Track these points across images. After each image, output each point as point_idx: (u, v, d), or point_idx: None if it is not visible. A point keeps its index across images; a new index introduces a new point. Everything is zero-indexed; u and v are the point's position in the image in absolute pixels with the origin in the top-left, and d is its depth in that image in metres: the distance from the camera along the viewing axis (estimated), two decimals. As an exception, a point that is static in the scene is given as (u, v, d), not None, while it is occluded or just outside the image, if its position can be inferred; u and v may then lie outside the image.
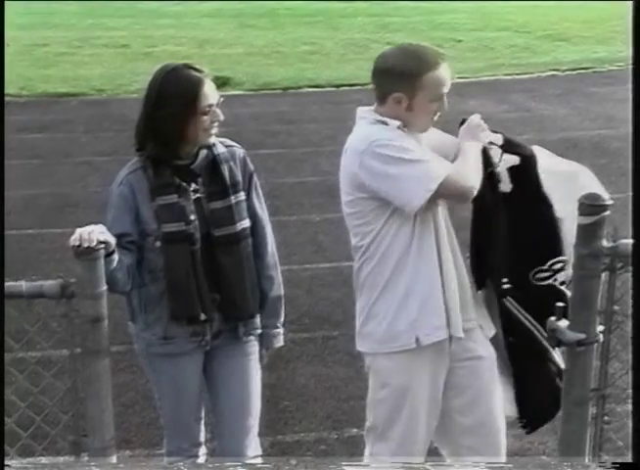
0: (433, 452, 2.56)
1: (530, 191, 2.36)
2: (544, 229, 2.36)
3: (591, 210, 1.89)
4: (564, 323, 1.94)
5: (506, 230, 2.34)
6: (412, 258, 2.29)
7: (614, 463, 1.67)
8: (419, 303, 2.31)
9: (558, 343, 1.94)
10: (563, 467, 2.00)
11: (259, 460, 2.62)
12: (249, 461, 2.55)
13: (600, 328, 1.93)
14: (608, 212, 1.87)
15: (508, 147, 2.36)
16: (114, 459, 1.92)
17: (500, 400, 2.47)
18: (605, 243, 1.88)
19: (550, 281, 2.35)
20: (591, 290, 1.91)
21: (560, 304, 1.97)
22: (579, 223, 1.91)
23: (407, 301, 2.32)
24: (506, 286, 2.36)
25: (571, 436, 1.95)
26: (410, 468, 2.02)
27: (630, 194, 1.94)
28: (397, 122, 2.27)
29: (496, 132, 2.39)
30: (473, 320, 2.40)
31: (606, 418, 1.96)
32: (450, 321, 2.33)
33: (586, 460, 1.93)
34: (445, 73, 2.28)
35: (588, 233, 1.90)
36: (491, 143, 2.35)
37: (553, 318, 1.95)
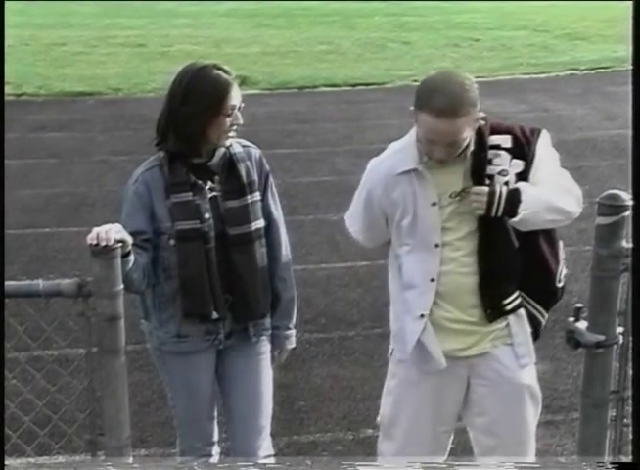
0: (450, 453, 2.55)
1: None
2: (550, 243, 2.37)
3: (611, 210, 1.86)
4: (583, 325, 1.91)
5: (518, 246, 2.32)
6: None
7: (613, 463, 1.65)
8: (395, 319, 2.44)
9: (577, 344, 1.92)
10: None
11: (272, 460, 2.62)
12: (261, 461, 2.56)
13: (619, 329, 1.91)
14: (628, 213, 1.85)
15: (515, 150, 2.29)
16: (129, 458, 1.92)
17: (527, 426, 2.43)
18: (625, 243, 1.86)
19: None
20: (611, 291, 1.89)
21: (579, 304, 1.95)
22: (598, 223, 1.89)
23: (394, 308, 2.44)
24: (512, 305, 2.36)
25: (590, 438, 1.93)
26: (427, 467, 2.00)
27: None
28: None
29: (506, 132, 2.30)
30: (487, 344, 2.36)
31: (625, 421, 1.94)
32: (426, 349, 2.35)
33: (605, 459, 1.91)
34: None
35: (608, 233, 1.87)
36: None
37: (571, 319, 1.93)
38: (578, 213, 2.33)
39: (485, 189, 2.22)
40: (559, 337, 3.98)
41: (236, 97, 2.37)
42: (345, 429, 3.43)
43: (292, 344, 2.63)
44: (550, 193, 2.27)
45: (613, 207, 1.86)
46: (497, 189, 2.21)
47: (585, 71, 11.57)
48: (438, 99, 2.14)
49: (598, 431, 1.93)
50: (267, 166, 2.52)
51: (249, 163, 2.46)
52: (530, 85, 10.77)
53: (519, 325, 2.39)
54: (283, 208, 2.58)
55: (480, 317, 2.33)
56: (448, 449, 2.52)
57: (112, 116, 9.14)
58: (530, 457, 2.45)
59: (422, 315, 2.32)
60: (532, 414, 2.45)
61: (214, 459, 2.64)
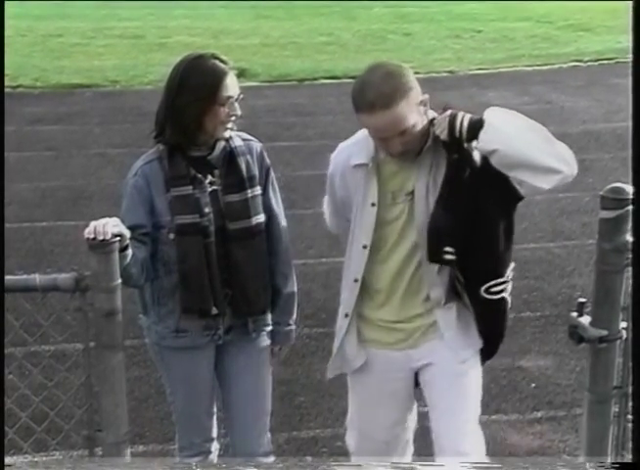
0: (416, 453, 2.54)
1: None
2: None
3: (615, 203, 1.84)
4: (586, 319, 1.90)
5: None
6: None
7: (614, 463, 1.64)
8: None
9: (580, 339, 1.90)
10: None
11: (271, 457, 2.60)
12: (261, 459, 2.54)
13: (623, 324, 1.89)
14: (632, 206, 1.82)
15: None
16: (127, 454, 1.91)
17: (471, 401, 2.36)
18: (629, 237, 1.84)
19: (504, 294, 2.29)
20: (614, 285, 1.87)
21: (582, 299, 1.93)
22: (602, 217, 1.87)
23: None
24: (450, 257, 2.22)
25: (593, 434, 1.92)
26: (397, 468, 2.02)
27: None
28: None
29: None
30: (419, 340, 2.33)
31: (629, 416, 1.92)
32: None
33: (608, 459, 1.89)
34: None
35: (611, 227, 1.86)
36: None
37: (574, 314, 1.91)
38: (566, 169, 2.11)
39: (447, 114, 2.16)
40: (561, 332, 3.98)
41: (232, 87, 2.34)
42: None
43: (291, 340, 2.61)
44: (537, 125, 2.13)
45: (616, 200, 1.84)
46: (459, 113, 2.15)
47: (589, 63, 11.50)
48: (367, 94, 2.11)
49: (601, 427, 1.92)
50: (268, 161, 2.49)
51: (249, 157, 2.43)
52: (533, 77, 10.72)
53: (446, 320, 2.31)
54: (282, 201, 2.56)
55: (407, 316, 2.32)
56: (411, 448, 2.50)
57: (109, 108, 9.10)
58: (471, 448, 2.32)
59: (346, 314, 2.37)
60: (474, 407, 2.36)
61: (213, 455, 2.62)
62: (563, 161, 2.12)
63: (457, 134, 2.12)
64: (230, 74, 2.34)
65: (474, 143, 2.14)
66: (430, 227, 2.19)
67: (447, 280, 2.28)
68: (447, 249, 2.19)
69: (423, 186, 2.21)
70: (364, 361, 2.39)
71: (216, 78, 2.31)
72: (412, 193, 2.23)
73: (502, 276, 2.26)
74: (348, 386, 2.49)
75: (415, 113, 2.15)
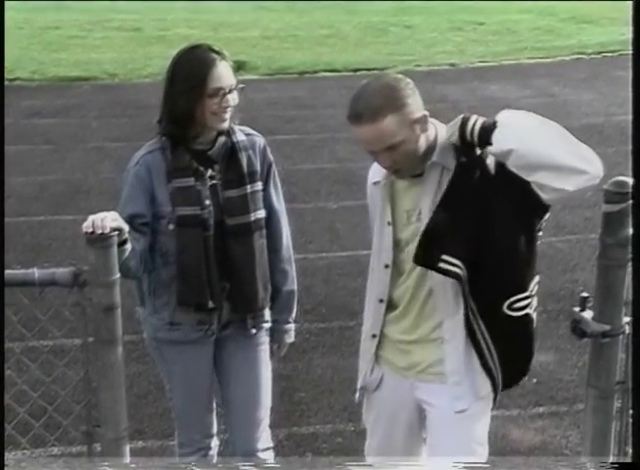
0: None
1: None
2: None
3: (618, 197, 1.82)
4: (588, 314, 1.88)
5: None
6: None
7: (613, 463, 1.62)
8: None
9: (582, 334, 1.89)
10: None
11: (271, 453, 2.59)
12: (260, 453, 2.53)
13: (626, 319, 1.87)
14: (632, 201, 1.80)
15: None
16: (127, 450, 1.89)
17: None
18: (632, 231, 1.82)
19: (528, 310, 2.16)
20: (617, 280, 1.85)
21: (584, 294, 1.91)
22: (605, 211, 1.85)
23: None
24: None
25: (595, 430, 1.90)
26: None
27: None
28: None
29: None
30: (420, 373, 2.24)
31: (631, 412, 1.91)
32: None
33: (610, 458, 1.88)
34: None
35: (614, 221, 1.83)
36: None
37: (577, 309, 1.90)
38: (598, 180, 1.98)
39: (459, 118, 2.07)
40: (564, 327, 3.97)
41: (224, 78, 2.31)
42: (346, 421, 3.40)
43: (291, 338, 2.60)
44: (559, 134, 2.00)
45: (619, 194, 1.82)
46: (472, 116, 2.05)
47: (592, 56, 11.48)
48: (356, 105, 2.05)
49: (603, 422, 1.90)
50: (271, 156, 2.48)
51: (251, 152, 2.41)
52: (535, 70, 10.70)
53: (453, 362, 2.17)
54: (282, 195, 2.54)
55: (419, 337, 2.21)
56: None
57: (107, 101, 9.08)
58: None
59: (373, 335, 2.27)
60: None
61: (213, 452, 2.61)
62: (586, 160, 2.00)
63: (468, 137, 2.02)
64: (221, 65, 2.31)
65: (488, 148, 2.03)
66: (425, 227, 2.09)
67: (463, 312, 2.14)
68: (446, 258, 2.06)
69: (427, 206, 2.12)
70: (380, 380, 2.31)
71: (203, 69, 2.28)
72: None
73: (525, 291, 2.13)
74: (364, 408, 2.39)
75: (406, 129, 2.04)
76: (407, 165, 2.12)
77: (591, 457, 1.88)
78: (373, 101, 2.04)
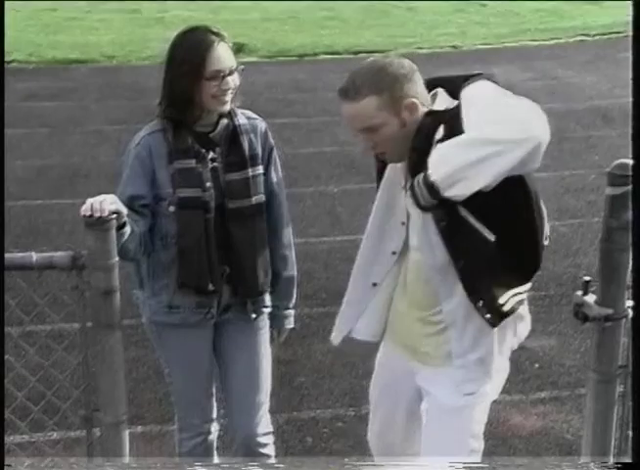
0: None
1: None
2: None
3: (621, 180, 1.80)
4: (591, 298, 1.87)
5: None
6: None
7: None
8: None
9: (585, 318, 1.87)
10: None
11: (270, 438, 2.58)
12: (260, 439, 2.52)
13: (628, 303, 1.86)
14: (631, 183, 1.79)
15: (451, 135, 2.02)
16: (126, 435, 1.89)
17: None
18: (632, 214, 1.80)
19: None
20: (620, 264, 1.84)
21: (587, 278, 1.90)
22: (608, 194, 1.83)
23: None
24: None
25: (597, 414, 1.89)
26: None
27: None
28: None
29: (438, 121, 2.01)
30: (421, 356, 2.22)
31: (632, 378, 1.90)
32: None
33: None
34: None
35: (618, 204, 1.81)
36: None
37: (579, 293, 1.88)
38: (537, 138, 1.87)
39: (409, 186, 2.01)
40: (566, 311, 3.96)
41: (223, 60, 2.29)
42: (347, 405, 3.40)
43: (291, 324, 2.59)
44: (467, 134, 1.89)
45: (623, 177, 1.80)
46: (415, 181, 1.97)
47: (596, 37, 11.37)
48: (345, 81, 2.06)
49: (605, 406, 1.89)
50: (272, 140, 2.47)
51: (252, 135, 2.40)
52: (539, 52, 10.62)
53: (461, 345, 2.13)
54: (283, 180, 2.52)
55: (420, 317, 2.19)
56: None
57: (106, 84, 9.02)
58: None
59: (374, 284, 2.25)
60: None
61: (213, 436, 2.61)
62: (520, 130, 1.87)
63: (424, 203, 1.95)
64: (220, 47, 2.29)
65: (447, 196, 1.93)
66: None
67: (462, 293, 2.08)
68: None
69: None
70: (378, 346, 2.31)
71: (201, 52, 2.26)
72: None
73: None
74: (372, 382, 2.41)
75: (386, 113, 2.01)
76: (391, 150, 2.08)
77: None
78: (358, 80, 2.04)
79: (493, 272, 2.08)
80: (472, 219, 2.02)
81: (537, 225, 2.11)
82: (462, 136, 1.91)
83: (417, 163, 1.99)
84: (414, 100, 2.05)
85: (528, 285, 2.17)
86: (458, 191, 1.90)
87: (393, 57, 2.15)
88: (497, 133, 1.88)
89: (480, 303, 2.08)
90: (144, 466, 2.08)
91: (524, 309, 2.24)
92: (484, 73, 2.09)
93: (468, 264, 2.06)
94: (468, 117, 1.94)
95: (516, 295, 2.13)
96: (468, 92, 2.01)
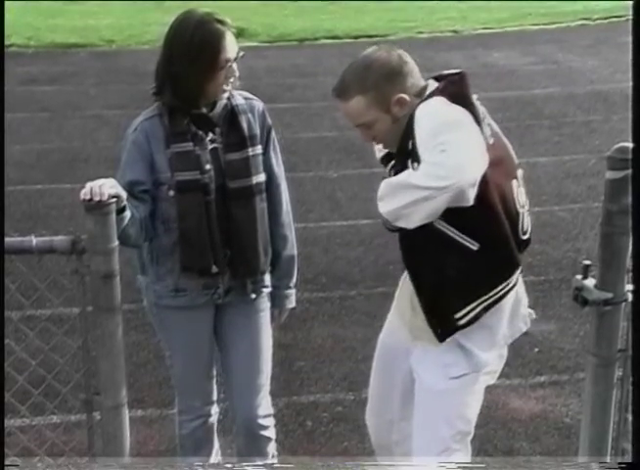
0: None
1: None
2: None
3: (622, 164, 1.80)
4: (590, 282, 1.87)
5: None
6: None
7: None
8: None
9: (584, 302, 1.88)
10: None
11: (271, 420, 2.59)
12: (260, 421, 2.53)
13: (628, 287, 1.86)
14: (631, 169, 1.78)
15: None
16: (126, 418, 1.90)
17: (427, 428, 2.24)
18: (632, 197, 1.80)
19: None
20: (620, 248, 1.83)
21: (586, 262, 1.90)
22: (608, 178, 1.82)
23: None
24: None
25: (596, 398, 1.90)
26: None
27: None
28: None
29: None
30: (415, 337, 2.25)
31: (632, 379, 1.90)
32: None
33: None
34: None
35: (618, 188, 1.81)
36: None
37: (579, 277, 1.88)
38: (461, 185, 1.92)
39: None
40: (565, 296, 3.97)
41: (231, 49, 2.29)
42: (346, 390, 3.41)
43: (292, 303, 2.59)
44: (407, 175, 2.00)
45: (623, 160, 1.79)
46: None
47: (598, 21, 11.32)
48: (338, 79, 2.13)
49: (604, 390, 1.90)
50: (270, 120, 2.46)
51: (250, 115, 2.40)
52: (540, 36, 10.57)
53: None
54: (282, 164, 2.52)
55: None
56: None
57: (105, 68, 8.98)
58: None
59: None
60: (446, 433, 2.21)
61: (213, 419, 2.62)
62: (424, 177, 1.94)
63: (388, 226, 2.06)
64: (227, 36, 2.29)
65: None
66: None
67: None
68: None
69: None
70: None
71: (216, 45, 2.27)
72: None
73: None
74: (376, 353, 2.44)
75: (375, 110, 2.08)
76: (389, 141, 2.14)
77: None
78: (346, 79, 2.11)
79: (457, 286, 2.11)
80: (450, 233, 2.06)
81: (505, 233, 2.11)
82: (402, 177, 2.00)
83: (403, 165, 2.05)
84: (402, 95, 2.09)
85: (502, 286, 2.16)
86: (402, 225, 2.02)
87: (384, 50, 2.16)
88: (427, 180, 1.94)
89: (434, 320, 2.14)
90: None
91: (523, 295, 2.27)
92: (459, 73, 2.11)
93: (426, 282, 2.14)
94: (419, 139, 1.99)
95: (483, 302, 2.14)
96: (420, 112, 2.02)
